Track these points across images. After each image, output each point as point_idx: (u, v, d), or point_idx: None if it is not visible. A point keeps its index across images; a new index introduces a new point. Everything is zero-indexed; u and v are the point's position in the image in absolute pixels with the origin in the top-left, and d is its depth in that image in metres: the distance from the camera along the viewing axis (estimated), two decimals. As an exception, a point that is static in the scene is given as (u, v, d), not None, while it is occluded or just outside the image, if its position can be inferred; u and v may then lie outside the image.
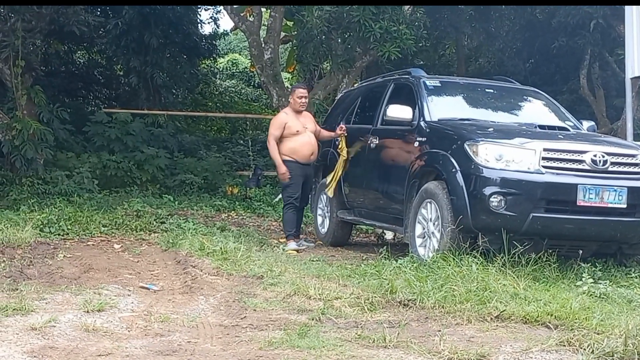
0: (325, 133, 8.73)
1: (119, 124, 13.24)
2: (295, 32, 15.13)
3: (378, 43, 12.05)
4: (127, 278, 6.09)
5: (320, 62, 14.57)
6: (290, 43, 17.42)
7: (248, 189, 12.79)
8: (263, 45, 13.71)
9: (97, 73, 18.56)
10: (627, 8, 11.30)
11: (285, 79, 18.57)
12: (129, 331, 4.35)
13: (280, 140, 8.24)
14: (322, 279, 5.84)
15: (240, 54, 26.57)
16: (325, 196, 8.92)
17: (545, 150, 6.20)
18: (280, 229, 9.78)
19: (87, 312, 4.72)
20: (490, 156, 6.19)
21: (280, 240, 8.57)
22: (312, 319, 4.64)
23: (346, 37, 13.24)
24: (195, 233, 7.98)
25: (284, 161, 8.18)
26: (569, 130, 7.33)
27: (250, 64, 21.10)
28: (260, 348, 3.99)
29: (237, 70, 25.15)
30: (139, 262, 6.90)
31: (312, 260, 6.98)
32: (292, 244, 8.07)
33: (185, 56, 17.27)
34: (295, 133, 8.23)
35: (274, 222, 10.45)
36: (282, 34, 15.65)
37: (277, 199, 12.28)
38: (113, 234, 8.46)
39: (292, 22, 16.06)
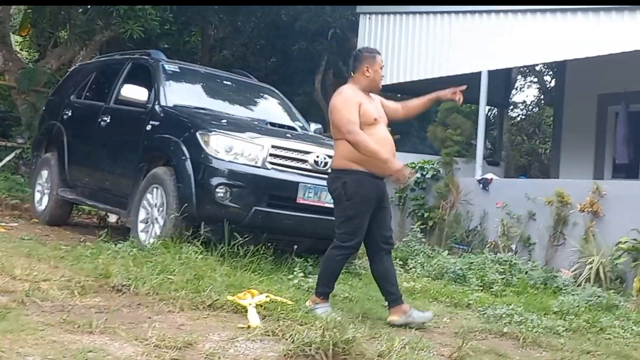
0: (400, 106, 5.38)
1: None
2: (32, -6, 14.09)
3: (121, 19, 11.66)
4: None
5: (57, 30, 13.72)
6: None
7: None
8: (-7, 2, 12.57)
9: None
10: (362, 21, 12.17)
11: (16, 42, 17.18)
12: None
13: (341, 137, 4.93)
14: (32, 259, 5.48)
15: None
16: (46, 172, 8.41)
17: (273, 147, 6.41)
18: None
19: None
20: (221, 147, 6.26)
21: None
22: (14, 301, 4.32)
23: (88, 8, 12.62)
24: None
25: (348, 170, 4.87)
26: (297, 130, 7.66)
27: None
28: (-52, 331, 3.63)
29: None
30: None
31: (24, 239, 6.53)
32: (323, 307, 4.91)
33: None
34: (371, 122, 4.92)
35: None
36: (17, -7, 14.47)
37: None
38: None
39: (30, -17, 14.93)
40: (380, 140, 4.87)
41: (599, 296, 6.63)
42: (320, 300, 4.96)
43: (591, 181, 8.71)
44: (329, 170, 5.18)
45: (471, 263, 7.78)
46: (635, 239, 7.52)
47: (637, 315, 6.28)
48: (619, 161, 11.23)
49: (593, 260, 7.72)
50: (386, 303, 5.10)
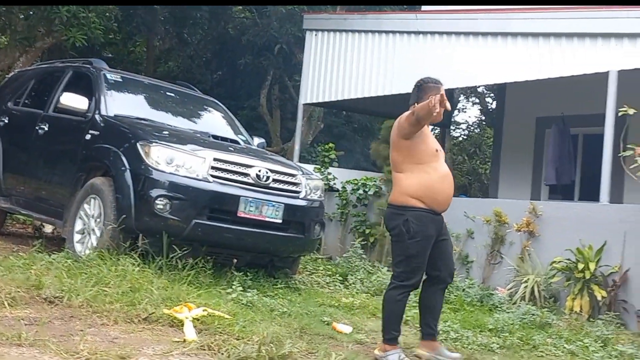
0: None
1: None
2: (-29, -2, 13.74)
3: (63, 26, 11.46)
4: None
5: (-4, 34, 13.44)
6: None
7: None
8: None
9: None
10: (308, 37, 12.23)
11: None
12: None
13: (402, 167, 4.68)
14: (-40, 269, 5.31)
15: None
16: (-20, 180, 8.19)
17: (215, 160, 6.37)
18: None
19: None
20: (162, 159, 6.19)
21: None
22: (-61, 313, 4.19)
23: (30, 14, 12.38)
24: None
25: (409, 207, 4.59)
26: (240, 144, 7.62)
27: None
28: None
29: None
30: None
31: (-46, 249, 6.33)
32: (394, 354, 4.58)
33: None
34: (434, 154, 4.70)
35: None
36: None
37: None
38: None
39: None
40: (443, 176, 4.66)
41: (533, 314, 6.76)
42: (390, 347, 4.61)
43: (528, 202, 8.89)
44: (387, 205, 4.83)
45: (410, 280, 7.83)
46: (568, 259, 7.69)
47: (569, 333, 6.42)
48: (547, 183, 11.46)
49: (528, 279, 7.86)
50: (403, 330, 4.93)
